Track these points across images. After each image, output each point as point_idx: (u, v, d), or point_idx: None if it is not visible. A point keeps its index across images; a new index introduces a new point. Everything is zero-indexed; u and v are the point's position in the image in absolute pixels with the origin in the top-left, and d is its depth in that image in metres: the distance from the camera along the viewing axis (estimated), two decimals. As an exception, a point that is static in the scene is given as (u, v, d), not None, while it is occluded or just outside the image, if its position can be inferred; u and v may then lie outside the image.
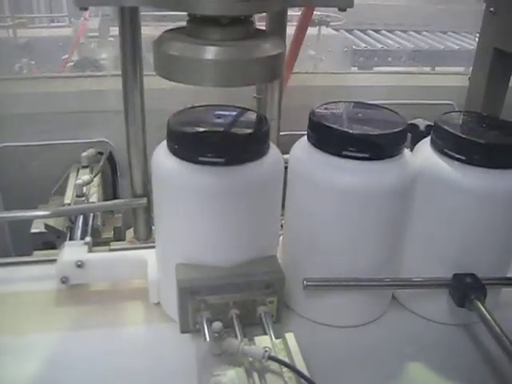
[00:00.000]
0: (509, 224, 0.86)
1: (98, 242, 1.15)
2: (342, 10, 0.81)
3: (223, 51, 0.70)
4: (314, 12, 2.37)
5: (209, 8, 0.69)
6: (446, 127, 0.84)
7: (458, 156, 0.82)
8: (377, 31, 3.33)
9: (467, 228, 0.85)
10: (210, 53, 0.70)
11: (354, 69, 2.84)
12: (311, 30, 2.45)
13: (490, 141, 0.83)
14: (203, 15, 0.72)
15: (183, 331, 0.80)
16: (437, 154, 0.85)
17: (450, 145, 0.83)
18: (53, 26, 2.84)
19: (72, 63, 2.22)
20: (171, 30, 0.77)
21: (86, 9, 0.75)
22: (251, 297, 0.79)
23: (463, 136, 0.82)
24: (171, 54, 0.72)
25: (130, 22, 0.92)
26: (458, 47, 2.98)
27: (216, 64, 0.70)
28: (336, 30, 2.89)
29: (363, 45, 2.99)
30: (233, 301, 0.78)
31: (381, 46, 2.97)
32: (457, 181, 0.82)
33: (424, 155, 0.86)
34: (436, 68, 2.89)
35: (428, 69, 2.90)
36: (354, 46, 2.89)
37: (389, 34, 3.27)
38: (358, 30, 3.30)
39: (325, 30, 2.54)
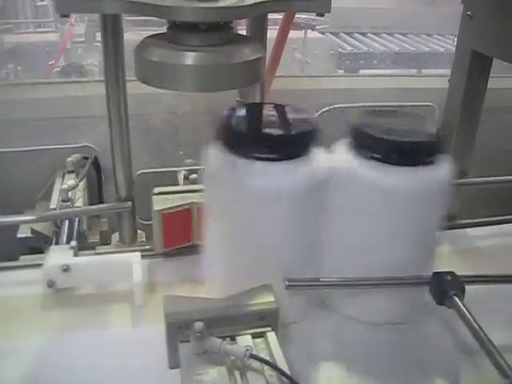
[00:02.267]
0: (425, 220, 0.87)
1: (84, 247, 1.16)
2: (320, 15, 0.82)
3: (202, 57, 0.71)
4: (300, 15, 2.39)
5: (187, 15, 0.70)
6: (359, 127, 0.86)
7: (372, 155, 0.83)
8: (363, 34, 3.35)
9: (382, 226, 0.86)
10: (189, 58, 0.71)
11: (341, 72, 2.85)
12: (297, 34, 2.47)
13: (400, 139, 0.84)
14: (182, 22, 0.73)
15: (172, 367, 0.77)
16: (352, 153, 0.86)
17: (365, 144, 0.84)
18: (39, 31, 2.84)
19: (58, 69, 2.22)
20: (152, 36, 0.78)
21: (67, 16, 0.76)
22: (245, 330, 0.75)
23: (375, 135, 0.83)
24: (151, 60, 0.73)
25: (112, 28, 0.92)
26: (443, 49, 3.00)
27: (195, 69, 0.71)
28: (322, 33, 2.91)
29: (349, 48, 3.00)
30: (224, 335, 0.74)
31: (366, 48, 2.99)
32: (371, 180, 0.83)
33: (339, 155, 0.87)
34: (422, 70, 2.92)
35: (414, 71, 2.92)
36: (339, 49, 2.91)
37: (375, 37, 3.29)
38: (344, 33, 3.32)
39: (311, 34, 2.56)
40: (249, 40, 0.81)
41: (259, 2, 0.74)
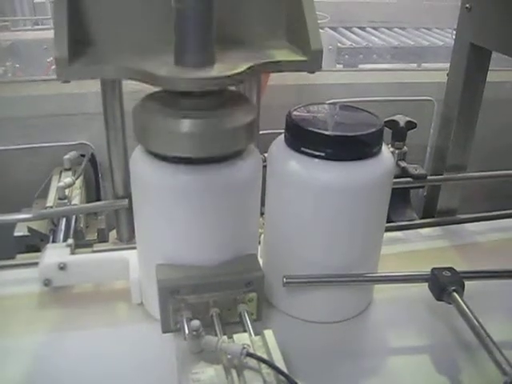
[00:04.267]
0: (372, 215, 0.86)
1: (81, 244, 1.16)
2: (311, 72, 0.83)
3: (195, 124, 0.73)
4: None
5: (182, 85, 0.72)
6: (294, 121, 0.83)
7: (309, 151, 0.81)
8: (362, 28, 3.34)
9: (328, 224, 0.84)
10: (183, 125, 0.73)
11: (340, 66, 2.84)
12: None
13: (337, 133, 0.82)
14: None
15: (164, 331, 0.80)
16: (289, 150, 0.84)
17: (301, 140, 0.82)
18: (36, 28, 2.83)
19: (56, 66, 2.21)
20: (149, 96, 0.80)
21: (68, 81, 0.77)
22: (231, 295, 0.80)
23: (311, 130, 0.81)
24: (146, 127, 0.76)
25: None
26: (442, 43, 2.99)
27: (189, 136, 0.73)
28: (321, 28, 2.90)
29: (348, 42, 2.99)
30: (213, 300, 0.79)
31: (366, 43, 2.97)
32: (310, 177, 0.81)
33: (277, 152, 0.86)
34: (422, 64, 2.91)
35: (414, 65, 2.91)
36: (338, 44, 2.90)
37: (374, 32, 3.28)
38: (343, 27, 3.31)
39: (309, 28, 2.54)
40: (242, 100, 0.82)
41: (252, 66, 0.74)
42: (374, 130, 0.82)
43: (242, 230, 0.85)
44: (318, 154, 0.80)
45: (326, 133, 0.81)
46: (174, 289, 0.77)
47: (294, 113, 0.85)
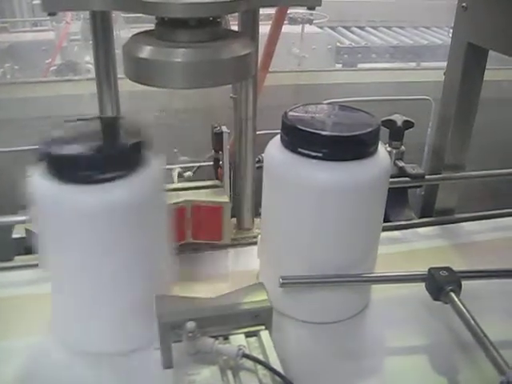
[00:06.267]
0: (369, 214, 0.85)
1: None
2: (311, 8, 0.81)
3: (191, 53, 0.71)
4: (298, 10, 2.38)
5: (176, 10, 0.69)
6: (290, 122, 0.82)
7: (306, 151, 0.80)
8: (361, 28, 3.34)
9: (326, 224, 0.83)
10: (178, 55, 0.70)
11: (339, 66, 2.84)
12: (295, 28, 2.46)
13: (333, 133, 0.81)
14: (171, 18, 0.72)
15: (166, 367, 0.75)
16: (285, 150, 0.83)
17: (296, 140, 0.81)
18: (35, 29, 2.83)
19: (55, 67, 2.21)
20: (140, 33, 0.77)
21: (54, 14, 0.75)
22: (238, 330, 0.75)
23: (308, 130, 0.80)
24: (140, 57, 0.72)
25: (102, 25, 0.92)
26: (441, 42, 2.99)
27: (184, 66, 0.70)
28: (320, 27, 2.90)
29: (347, 42, 2.99)
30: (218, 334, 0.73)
31: (364, 42, 2.98)
32: (307, 178, 0.81)
33: (273, 153, 0.85)
34: (421, 63, 2.91)
35: (413, 64, 2.91)
36: (337, 43, 2.90)
37: (373, 31, 3.28)
38: (342, 26, 3.31)
39: (308, 28, 2.55)
40: (239, 35, 0.80)
41: None
42: (370, 129, 0.82)
43: None
44: (314, 154, 0.80)
45: (323, 133, 0.80)
46: (175, 324, 0.71)
47: (290, 113, 0.85)
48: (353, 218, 0.84)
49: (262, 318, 0.75)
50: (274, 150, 0.85)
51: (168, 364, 0.74)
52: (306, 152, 0.80)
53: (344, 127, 0.85)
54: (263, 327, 0.75)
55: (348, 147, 0.81)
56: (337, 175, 0.80)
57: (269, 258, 0.92)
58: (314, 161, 0.80)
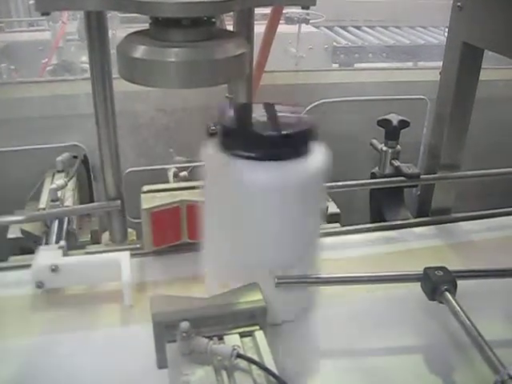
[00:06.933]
0: (305, 213, 0.83)
1: (75, 246, 1.16)
2: (306, 8, 0.81)
3: (185, 53, 0.70)
4: (294, 10, 2.38)
5: (170, 10, 0.69)
6: (223, 122, 0.81)
7: (239, 152, 0.77)
8: (358, 28, 3.34)
9: (261, 223, 0.81)
10: (172, 54, 0.70)
11: (336, 66, 2.84)
12: (291, 28, 2.46)
13: (265, 133, 0.79)
14: (165, 17, 0.72)
15: (160, 367, 0.75)
16: (220, 151, 0.80)
17: (231, 141, 0.79)
18: (32, 29, 2.83)
19: (51, 67, 2.21)
20: (134, 32, 0.77)
21: (48, 13, 0.75)
22: (233, 330, 0.74)
23: (240, 130, 0.79)
24: (134, 56, 0.72)
25: (97, 26, 0.92)
26: (437, 41, 2.99)
27: (178, 65, 0.70)
28: (316, 27, 2.90)
29: (344, 42, 2.99)
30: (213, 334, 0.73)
31: (361, 42, 2.98)
32: (241, 178, 0.78)
33: (209, 153, 0.83)
34: (418, 63, 2.91)
35: (410, 64, 2.91)
36: (334, 43, 2.90)
37: (369, 31, 3.28)
38: (339, 26, 3.31)
39: (305, 28, 2.55)
40: (233, 35, 0.80)
41: None
42: (302, 129, 0.79)
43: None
44: (247, 154, 0.77)
45: (256, 133, 0.79)
46: (169, 323, 0.72)
47: (226, 113, 0.83)
48: (289, 216, 0.81)
49: (256, 317, 0.75)
50: (210, 151, 0.82)
51: (162, 364, 0.74)
52: (239, 152, 0.78)
53: (279, 127, 0.83)
54: (257, 327, 0.74)
55: (281, 147, 0.78)
56: (268, 175, 0.77)
57: (212, 260, 0.89)
58: (247, 161, 0.77)
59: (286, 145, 0.78)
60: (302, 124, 0.82)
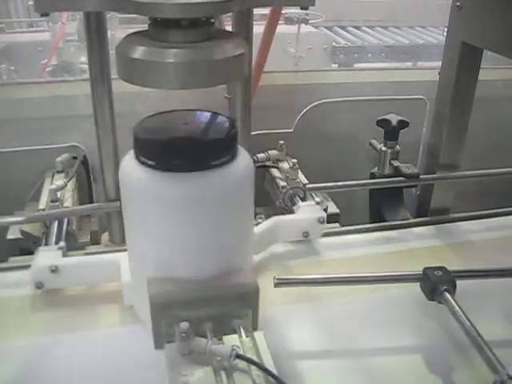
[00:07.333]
0: (221, 223, 0.78)
1: (74, 247, 1.16)
2: (305, 8, 0.81)
3: (184, 53, 0.71)
4: (293, 10, 2.38)
5: (169, 11, 0.70)
6: (137, 133, 0.77)
7: (151, 163, 0.74)
8: (357, 28, 3.34)
9: (179, 234, 0.78)
10: (171, 55, 0.70)
11: (335, 66, 2.84)
12: (290, 28, 2.46)
13: (179, 143, 0.75)
14: (164, 18, 0.72)
15: (157, 347, 0.75)
16: (135, 162, 0.77)
17: (142, 151, 0.75)
18: (31, 30, 2.83)
19: (51, 68, 2.21)
20: (133, 33, 0.77)
21: (47, 15, 0.75)
22: (225, 310, 0.75)
23: (153, 141, 0.75)
24: (133, 57, 0.72)
25: (96, 26, 0.92)
26: (436, 41, 2.99)
27: (177, 66, 0.70)
28: (316, 27, 2.90)
29: (343, 42, 2.99)
30: (207, 314, 0.74)
31: (361, 42, 2.97)
32: (154, 190, 0.75)
33: (126, 165, 0.79)
34: (417, 63, 2.91)
35: (409, 64, 2.91)
36: (333, 43, 2.90)
37: (369, 31, 3.28)
38: (338, 26, 3.31)
39: (304, 28, 2.55)
40: (232, 35, 0.80)
41: None
42: (220, 137, 0.77)
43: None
44: (159, 166, 0.74)
45: (169, 143, 0.75)
46: (166, 304, 0.73)
47: (143, 123, 0.79)
48: (205, 227, 0.77)
49: (248, 300, 0.75)
50: (127, 162, 0.79)
51: (159, 345, 0.75)
52: (152, 164, 0.74)
53: (196, 135, 0.79)
54: (250, 311, 0.75)
55: (196, 157, 0.74)
56: (186, 187, 0.74)
57: (136, 269, 0.87)
58: (160, 172, 0.74)
59: (190, 155, 0.74)
60: (217, 133, 0.79)
